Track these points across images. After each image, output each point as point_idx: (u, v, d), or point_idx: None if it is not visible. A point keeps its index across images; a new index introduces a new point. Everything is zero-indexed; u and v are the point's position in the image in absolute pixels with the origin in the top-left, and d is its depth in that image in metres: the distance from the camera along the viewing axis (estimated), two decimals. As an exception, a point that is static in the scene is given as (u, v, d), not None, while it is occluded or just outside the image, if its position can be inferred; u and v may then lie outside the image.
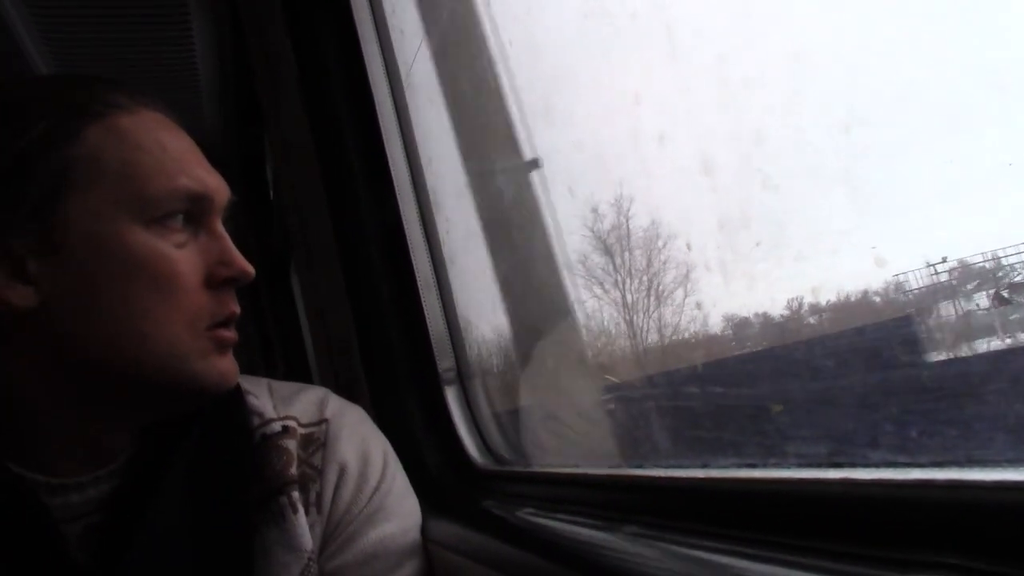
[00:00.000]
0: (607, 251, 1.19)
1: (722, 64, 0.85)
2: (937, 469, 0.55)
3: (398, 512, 1.08)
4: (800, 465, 0.66)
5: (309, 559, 0.99)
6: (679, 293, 1.07)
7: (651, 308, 1.14)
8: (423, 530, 1.10)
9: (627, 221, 1.12)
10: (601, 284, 1.22)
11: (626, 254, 1.16)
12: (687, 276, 1.04)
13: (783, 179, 0.81)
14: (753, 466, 0.71)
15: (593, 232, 1.19)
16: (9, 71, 2.77)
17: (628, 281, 1.17)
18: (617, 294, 1.19)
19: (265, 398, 1.08)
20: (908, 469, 0.58)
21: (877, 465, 0.60)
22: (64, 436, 0.92)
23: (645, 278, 1.14)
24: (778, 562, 0.56)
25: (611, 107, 1.07)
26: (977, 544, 0.47)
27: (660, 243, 1.10)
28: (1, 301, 0.86)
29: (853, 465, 0.60)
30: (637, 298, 1.16)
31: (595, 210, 1.15)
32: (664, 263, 1.09)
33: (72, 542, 0.90)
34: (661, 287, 1.11)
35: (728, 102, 0.85)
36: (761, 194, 0.83)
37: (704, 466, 0.78)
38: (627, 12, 0.98)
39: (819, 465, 0.65)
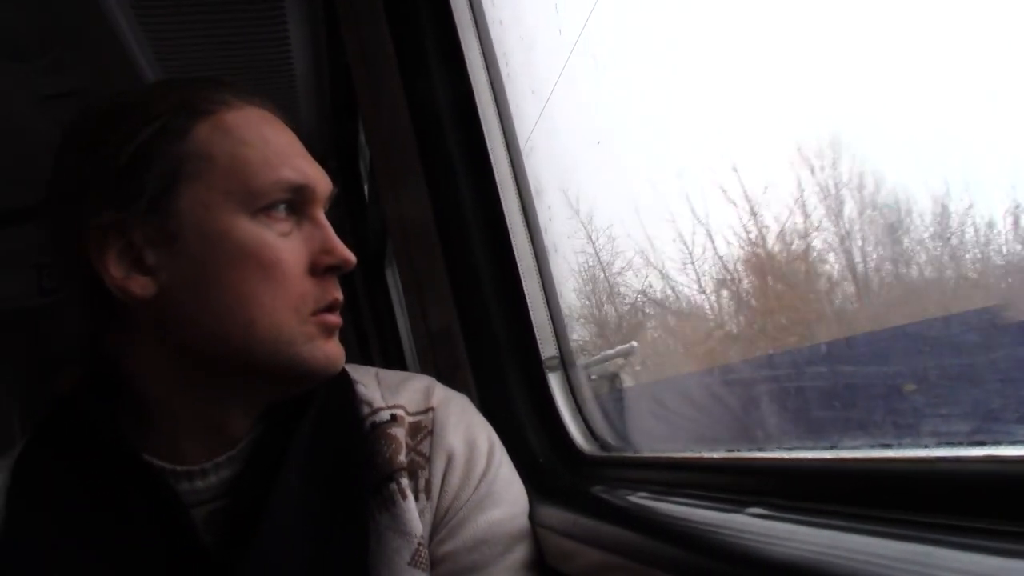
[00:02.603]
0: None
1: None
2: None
3: (506, 498, 1.09)
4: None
5: (419, 544, 1.01)
6: None
7: None
8: (531, 515, 1.10)
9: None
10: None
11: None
12: None
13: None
14: (887, 445, 0.69)
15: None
16: (123, 79, 2.89)
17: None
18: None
19: (373, 387, 1.10)
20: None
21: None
22: (186, 423, 0.96)
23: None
24: (922, 540, 0.54)
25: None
26: None
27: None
28: (124, 291, 0.91)
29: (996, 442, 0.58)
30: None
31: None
32: None
33: (199, 526, 0.94)
34: None
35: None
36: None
37: (832, 447, 0.76)
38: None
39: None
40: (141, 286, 0.91)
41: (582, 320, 1.53)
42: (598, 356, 1.47)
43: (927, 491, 0.60)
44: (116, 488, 0.94)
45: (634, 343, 1.43)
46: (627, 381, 1.42)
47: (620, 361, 1.42)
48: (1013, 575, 0.47)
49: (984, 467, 0.56)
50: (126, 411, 0.98)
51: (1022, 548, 0.49)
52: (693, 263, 1.13)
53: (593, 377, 1.42)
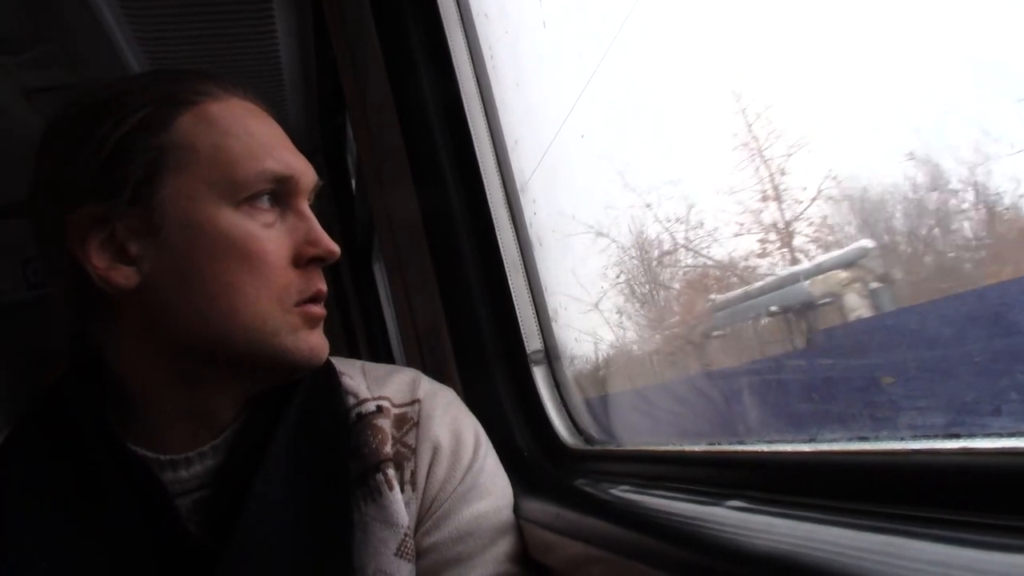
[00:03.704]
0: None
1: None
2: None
3: (491, 490, 1.09)
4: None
5: (405, 535, 1.01)
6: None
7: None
8: (515, 508, 1.11)
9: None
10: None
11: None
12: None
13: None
14: (864, 439, 0.69)
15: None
16: (110, 74, 2.88)
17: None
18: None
19: (359, 379, 1.10)
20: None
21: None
22: (170, 412, 0.97)
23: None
24: (897, 532, 0.55)
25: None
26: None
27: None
28: (108, 283, 0.91)
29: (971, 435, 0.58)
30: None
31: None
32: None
33: (184, 515, 0.94)
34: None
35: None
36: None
37: (811, 440, 0.77)
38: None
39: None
40: (124, 276, 0.91)
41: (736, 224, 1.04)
42: (774, 278, 1.03)
43: (903, 483, 0.60)
44: (100, 477, 0.94)
45: (865, 242, 0.92)
46: (861, 309, 0.94)
47: (842, 275, 0.96)
48: (985, 567, 0.48)
49: (958, 459, 0.57)
50: (111, 400, 0.98)
51: (994, 540, 0.49)
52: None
53: (774, 308, 1.04)
